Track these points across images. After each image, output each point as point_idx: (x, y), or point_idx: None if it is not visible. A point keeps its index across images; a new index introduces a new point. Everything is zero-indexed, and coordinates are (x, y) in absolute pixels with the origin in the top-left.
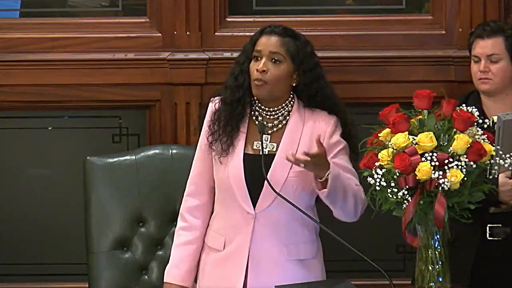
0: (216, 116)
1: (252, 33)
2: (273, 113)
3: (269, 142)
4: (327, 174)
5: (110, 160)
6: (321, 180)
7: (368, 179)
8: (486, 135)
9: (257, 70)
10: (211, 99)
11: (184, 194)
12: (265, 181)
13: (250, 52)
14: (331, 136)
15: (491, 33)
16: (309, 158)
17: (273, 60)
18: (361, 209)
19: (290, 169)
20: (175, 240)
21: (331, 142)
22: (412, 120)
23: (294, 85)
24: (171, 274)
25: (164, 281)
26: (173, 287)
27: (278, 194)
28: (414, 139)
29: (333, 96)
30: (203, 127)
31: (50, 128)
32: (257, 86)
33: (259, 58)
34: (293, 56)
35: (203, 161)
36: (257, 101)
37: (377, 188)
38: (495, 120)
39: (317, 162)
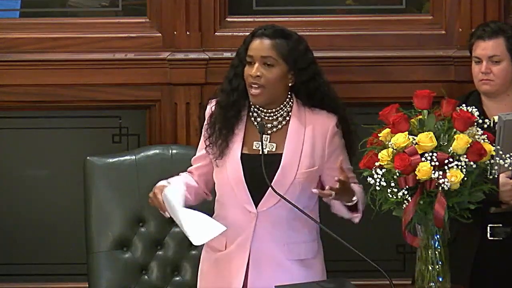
0: (212, 119)
1: None
2: (272, 114)
3: (269, 142)
4: (353, 199)
5: (110, 160)
6: (349, 204)
7: (368, 179)
8: (486, 135)
9: (250, 76)
10: (209, 101)
11: None
12: (269, 183)
13: (243, 56)
14: (333, 137)
15: (492, 34)
16: (336, 188)
17: (266, 64)
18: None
19: (297, 170)
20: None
21: (334, 145)
22: (412, 120)
23: (290, 85)
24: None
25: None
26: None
27: (283, 197)
28: (414, 139)
29: (331, 93)
30: (203, 131)
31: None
32: (254, 94)
33: (252, 63)
34: (285, 57)
35: (203, 160)
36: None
37: (377, 188)
38: (495, 120)
39: (343, 190)
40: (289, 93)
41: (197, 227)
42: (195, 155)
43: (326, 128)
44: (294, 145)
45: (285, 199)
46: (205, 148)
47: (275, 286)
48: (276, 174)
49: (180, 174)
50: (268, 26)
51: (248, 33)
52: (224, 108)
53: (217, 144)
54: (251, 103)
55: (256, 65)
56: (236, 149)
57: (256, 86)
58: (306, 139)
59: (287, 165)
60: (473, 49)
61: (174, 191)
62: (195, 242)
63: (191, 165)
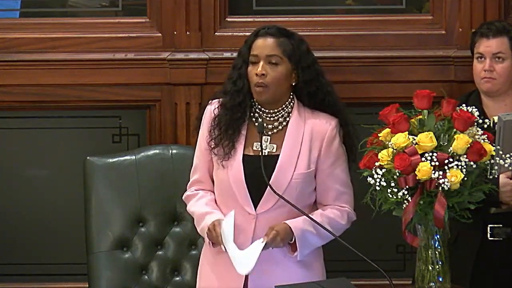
0: (217, 121)
1: None
2: (273, 114)
3: (269, 143)
4: (293, 238)
5: (110, 160)
6: (291, 242)
7: (368, 179)
8: (486, 135)
9: (256, 75)
10: (210, 101)
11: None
12: (267, 181)
13: (246, 56)
14: (331, 142)
15: (497, 32)
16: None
17: (271, 62)
18: (345, 227)
19: (294, 171)
20: (190, 203)
21: (331, 149)
22: (412, 120)
23: (293, 84)
24: (206, 225)
25: (202, 233)
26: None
27: (282, 197)
28: (414, 139)
29: (332, 94)
30: (201, 131)
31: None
32: (259, 92)
33: (256, 62)
34: (290, 56)
35: (203, 159)
36: (257, 103)
37: (377, 188)
38: (495, 120)
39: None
40: (291, 94)
41: (243, 258)
42: (194, 155)
43: (325, 131)
44: (291, 146)
45: (283, 198)
46: (210, 150)
47: (275, 286)
48: (273, 174)
49: (198, 193)
50: (270, 26)
51: (248, 33)
52: (230, 110)
53: (223, 145)
54: (253, 104)
55: (261, 63)
56: (239, 150)
57: (262, 85)
58: (304, 141)
59: (283, 165)
60: (475, 46)
61: (229, 227)
62: (242, 272)
63: (193, 170)
